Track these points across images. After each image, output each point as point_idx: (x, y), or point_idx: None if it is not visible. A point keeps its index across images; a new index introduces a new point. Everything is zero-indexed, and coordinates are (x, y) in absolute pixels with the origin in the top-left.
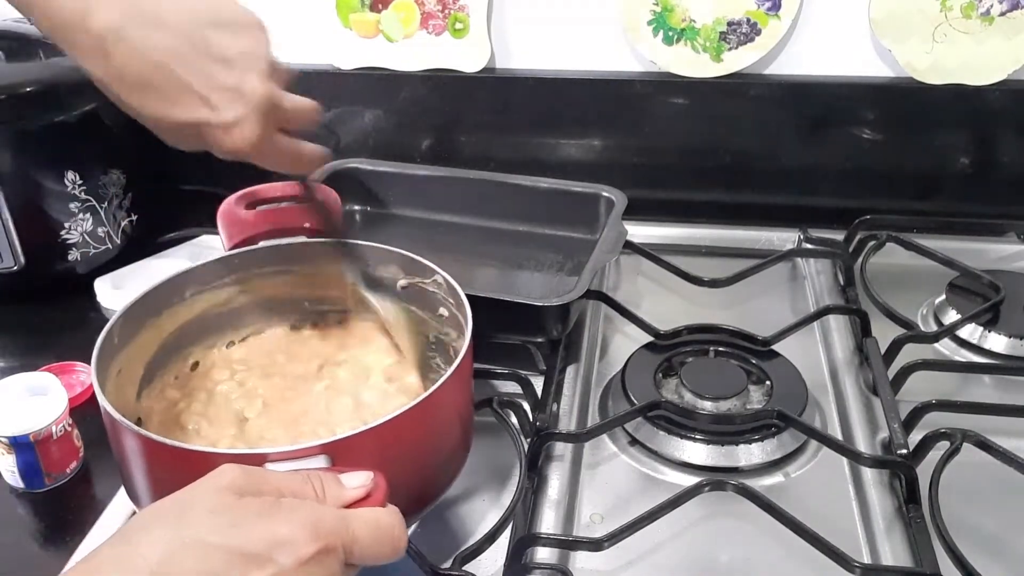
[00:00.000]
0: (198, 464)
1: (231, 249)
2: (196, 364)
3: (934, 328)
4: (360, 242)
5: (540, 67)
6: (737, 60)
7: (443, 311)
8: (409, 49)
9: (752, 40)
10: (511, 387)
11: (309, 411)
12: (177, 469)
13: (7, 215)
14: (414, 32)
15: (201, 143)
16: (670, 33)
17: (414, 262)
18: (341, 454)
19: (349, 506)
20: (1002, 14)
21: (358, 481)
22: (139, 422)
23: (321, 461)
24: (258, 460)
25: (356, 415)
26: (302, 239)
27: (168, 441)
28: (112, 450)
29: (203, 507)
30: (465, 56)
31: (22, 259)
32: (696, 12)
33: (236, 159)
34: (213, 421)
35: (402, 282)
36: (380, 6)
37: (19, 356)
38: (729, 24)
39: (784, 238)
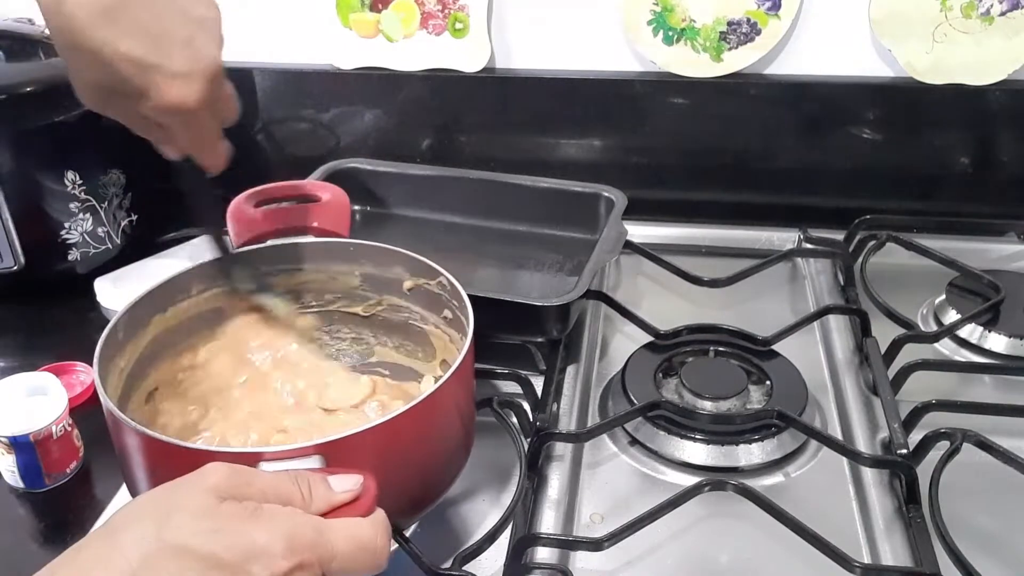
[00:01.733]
0: (199, 462)
1: (239, 247)
2: (199, 361)
3: (934, 328)
4: (364, 242)
5: (540, 67)
6: (737, 60)
7: (447, 313)
8: (409, 49)
9: (752, 40)
10: (511, 387)
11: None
12: (179, 467)
13: (7, 215)
14: (414, 32)
15: (128, 94)
16: (670, 33)
17: (419, 263)
18: (336, 455)
19: (338, 509)
20: (1002, 14)
21: (347, 485)
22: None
23: (315, 462)
24: (254, 459)
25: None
26: (310, 238)
27: (170, 439)
28: (114, 448)
29: (186, 509)
30: (465, 56)
31: (22, 259)
32: (696, 12)
33: (159, 118)
34: (218, 417)
35: (408, 284)
36: (380, 6)
37: (19, 356)
38: (729, 24)
39: (784, 238)
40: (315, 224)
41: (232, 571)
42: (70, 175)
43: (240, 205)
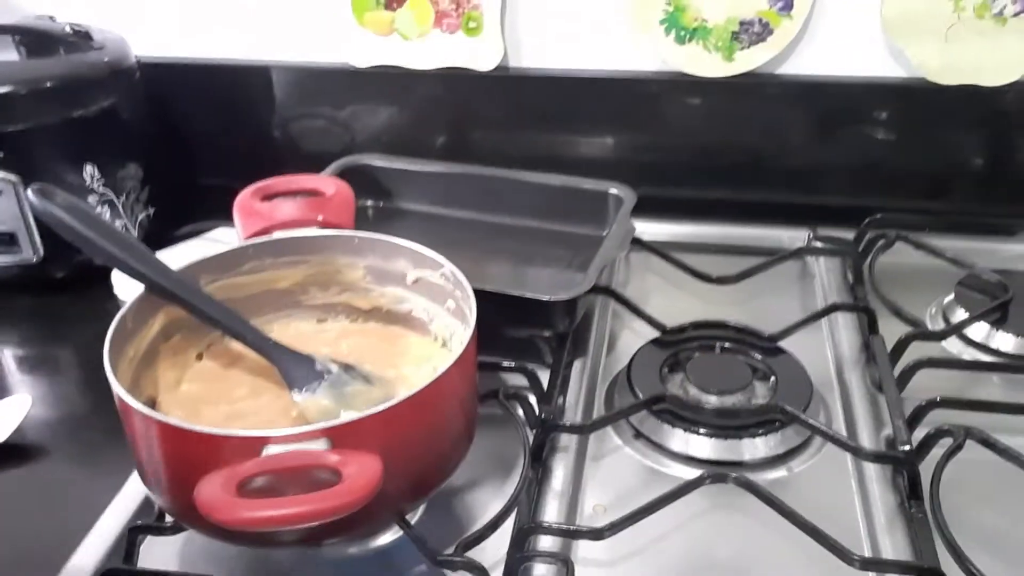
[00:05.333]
0: (209, 445)
1: (246, 240)
2: (208, 349)
3: (942, 327)
4: (368, 234)
5: (552, 66)
6: (749, 59)
7: (451, 303)
8: (423, 47)
9: (764, 40)
10: (518, 380)
11: None
12: (188, 451)
13: (28, 208)
14: (428, 31)
15: None
16: (682, 32)
17: (422, 255)
18: (342, 438)
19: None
20: (1015, 15)
21: None
22: (151, 405)
23: (322, 444)
24: (261, 442)
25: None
26: (315, 231)
27: (179, 424)
28: (125, 435)
29: None
30: (479, 55)
31: (41, 251)
32: (708, 12)
33: None
34: (222, 403)
35: (411, 276)
36: (395, 4)
37: (37, 346)
38: (741, 24)
39: (794, 236)
40: (320, 218)
41: None
42: (89, 169)
43: (246, 199)
